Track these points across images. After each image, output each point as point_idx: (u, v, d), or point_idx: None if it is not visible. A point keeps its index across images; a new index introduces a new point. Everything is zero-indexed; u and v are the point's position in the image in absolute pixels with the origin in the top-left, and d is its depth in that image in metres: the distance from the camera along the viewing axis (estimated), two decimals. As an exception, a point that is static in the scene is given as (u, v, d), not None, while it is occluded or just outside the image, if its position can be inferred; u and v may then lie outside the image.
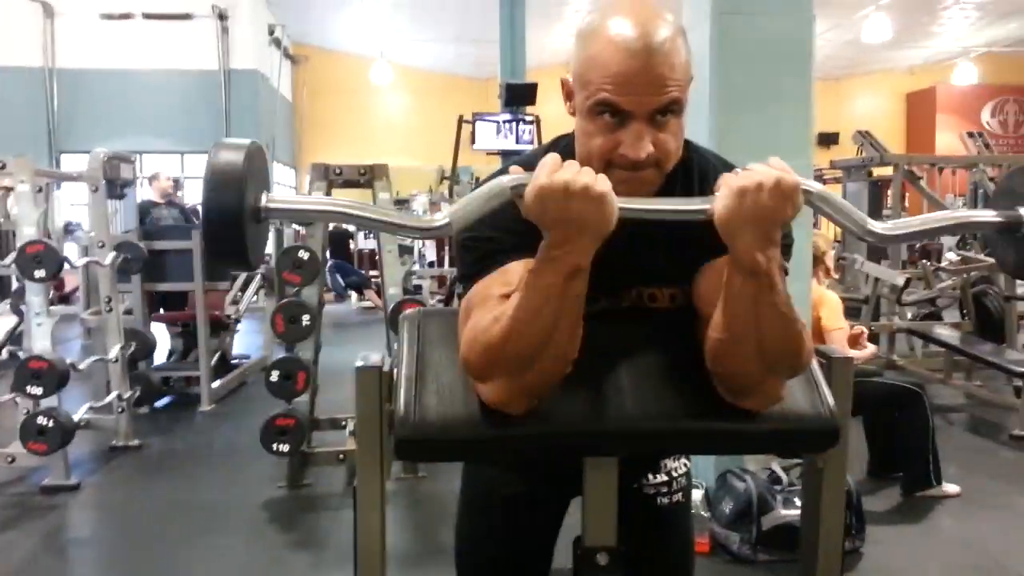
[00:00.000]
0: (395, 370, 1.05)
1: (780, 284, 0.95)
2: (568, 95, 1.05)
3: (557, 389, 1.01)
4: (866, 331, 3.50)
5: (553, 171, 0.90)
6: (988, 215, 1.08)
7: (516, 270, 1.00)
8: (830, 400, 1.08)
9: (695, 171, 1.12)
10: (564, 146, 1.10)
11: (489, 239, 1.05)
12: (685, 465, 1.39)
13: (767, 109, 3.12)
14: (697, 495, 3.05)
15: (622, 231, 1.08)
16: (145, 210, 6.05)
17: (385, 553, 1.08)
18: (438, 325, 1.09)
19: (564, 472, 1.20)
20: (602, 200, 0.89)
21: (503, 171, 1.11)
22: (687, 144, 1.12)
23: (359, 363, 1.04)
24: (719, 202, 0.92)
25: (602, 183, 0.90)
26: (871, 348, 3.45)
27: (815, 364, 1.13)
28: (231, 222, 0.88)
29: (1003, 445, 4.30)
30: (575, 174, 0.89)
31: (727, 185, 0.92)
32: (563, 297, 0.93)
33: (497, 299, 0.98)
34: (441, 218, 0.94)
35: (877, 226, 1.01)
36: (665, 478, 1.36)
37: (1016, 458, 4.10)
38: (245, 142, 0.93)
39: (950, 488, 3.48)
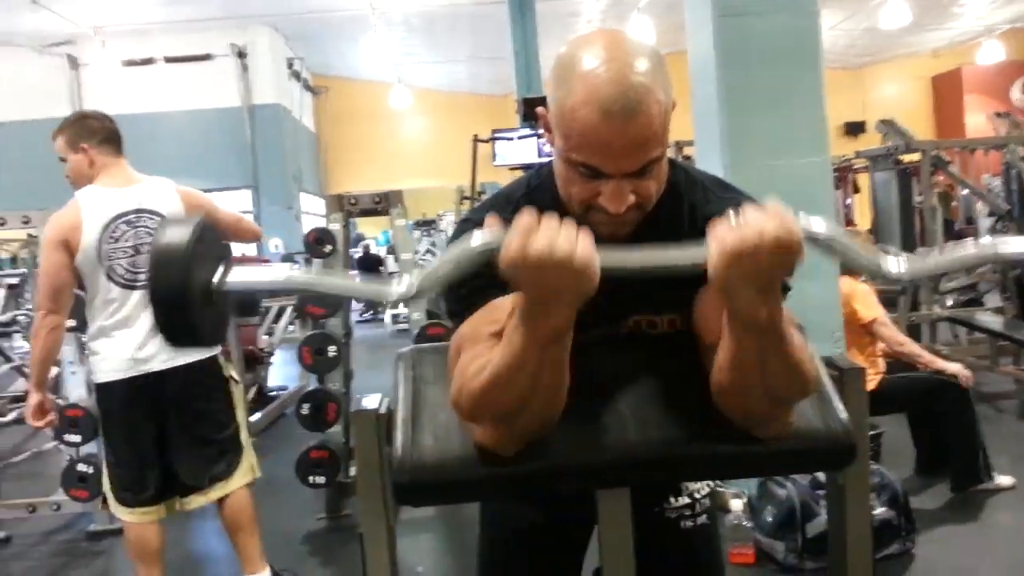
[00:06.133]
0: (391, 411, 1.04)
1: (786, 332, 0.89)
2: (547, 128, 1.01)
3: (557, 421, 0.99)
4: None
5: (526, 237, 0.81)
6: (1016, 245, 0.95)
7: (505, 306, 0.97)
8: (843, 415, 1.04)
9: (683, 195, 1.08)
10: (543, 177, 1.08)
11: (477, 274, 1.02)
12: (708, 486, 1.36)
13: (778, 108, 3.08)
14: (738, 504, 2.99)
15: None
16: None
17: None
18: (433, 363, 1.07)
19: (581, 500, 1.17)
20: (584, 270, 0.82)
21: (470, 222, 1.08)
22: (672, 164, 1.09)
23: (354, 407, 1.02)
24: (713, 262, 0.84)
25: (582, 249, 0.82)
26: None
27: (826, 378, 1.09)
28: (176, 305, 0.85)
29: (1056, 432, 4.16)
30: (551, 242, 0.81)
31: (720, 243, 0.84)
32: (541, 359, 0.88)
33: (487, 338, 0.95)
34: (409, 287, 0.89)
35: (893, 266, 0.92)
36: (687, 500, 1.32)
37: (1070, 444, 3.96)
38: (192, 220, 0.90)
39: (1003, 480, 3.36)
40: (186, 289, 0.85)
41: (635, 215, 0.99)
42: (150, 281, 0.85)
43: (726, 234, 0.83)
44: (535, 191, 1.10)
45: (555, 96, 0.97)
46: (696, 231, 1.05)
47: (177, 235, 0.86)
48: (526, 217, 0.83)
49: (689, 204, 1.08)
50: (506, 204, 1.10)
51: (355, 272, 10.72)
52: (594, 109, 0.91)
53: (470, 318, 1.01)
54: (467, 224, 1.10)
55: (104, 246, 2.45)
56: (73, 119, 2.62)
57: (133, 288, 2.50)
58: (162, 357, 2.49)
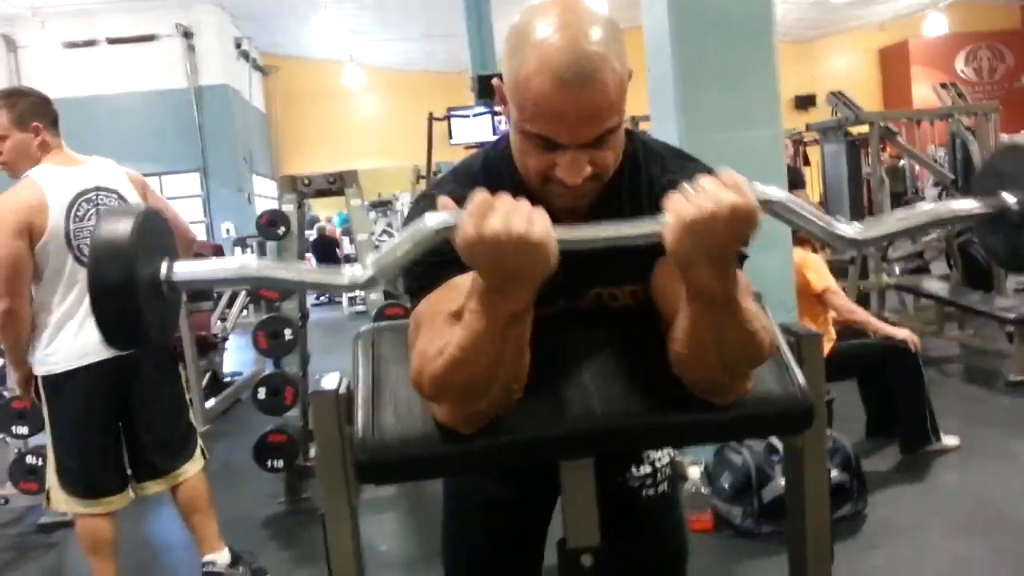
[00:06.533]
0: (352, 391, 1.02)
1: (741, 304, 0.89)
2: (502, 100, 0.99)
3: (521, 396, 0.99)
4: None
5: (481, 217, 0.80)
6: (971, 205, 0.98)
7: (463, 284, 0.95)
8: (801, 380, 1.05)
9: (641, 165, 1.08)
10: (500, 151, 1.07)
11: (434, 251, 1.01)
12: (669, 454, 1.37)
13: (732, 82, 3.10)
14: (696, 472, 3.04)
15: None
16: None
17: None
18: (392, 341, 1.06)
19: (544, 473, 1.18)
20: (540, 249, 0.81)
21: (428, 197, 1.06)
22: (630, 135, 1.09)
23: (313, 388, 1.01)
24: (669, 233, 0.84)
25: (539, 227, 0.80)
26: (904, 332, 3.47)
27: (783, 344, 1.11)
28: (121, 301, 0.78)
29: (1000, 392, 4.30)
30: (507, 222, 0.79)
31: (677, 215, 0.83)
32: (502, 341, 0.87)
33: (445, 318, 0.94)
34: (365, 273, 0.86)
35: (847, 231, 0.92)
36: (649, 469, 1.33)
37: (1013, 404, 4.09)
38: (135, 209, 0.82)
39: (950, 441, 3.47)
40: (132, 283, 0.78)
41: (592, 186, 0.98)
42: (90, 276, 0.77)
43: (682, 205, 0.83)
44: (493, 165, 1.09)
45: (509, 66, 0.95)
46: (655, 201, 1.04)
47: (119, 224, 0.79)
48: (480, 196, 0.82)
49: (647, 174, 1.07)
50: (464, 178, 1.09)
51: (310, 255, 10.58)
52: (548, 78, 0.89)
53: (428, 296, 0.99)
54: (425, 200, 1.08)
55: (71, 225, 2.36)
56: (12, 93, 2.47)
57: None
58: None
